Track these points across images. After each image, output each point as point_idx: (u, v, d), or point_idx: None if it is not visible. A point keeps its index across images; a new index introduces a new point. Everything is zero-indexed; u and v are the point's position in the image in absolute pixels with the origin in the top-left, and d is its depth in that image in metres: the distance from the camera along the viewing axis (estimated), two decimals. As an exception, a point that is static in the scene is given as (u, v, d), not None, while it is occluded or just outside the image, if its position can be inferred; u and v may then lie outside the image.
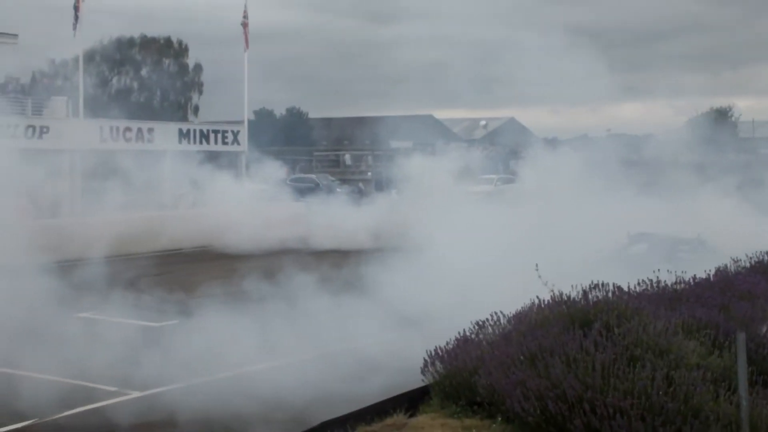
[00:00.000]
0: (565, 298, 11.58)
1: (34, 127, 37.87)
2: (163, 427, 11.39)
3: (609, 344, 10.05)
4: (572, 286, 11.81)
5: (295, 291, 16.03)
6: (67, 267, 19.34)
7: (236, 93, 44.63)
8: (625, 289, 12.21)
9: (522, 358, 10.30)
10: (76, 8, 38.71)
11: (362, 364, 13.05)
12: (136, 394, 12.71)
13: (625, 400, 9.16)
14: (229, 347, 13.83)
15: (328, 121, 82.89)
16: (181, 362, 13.28)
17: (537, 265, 12.47)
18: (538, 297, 11.86)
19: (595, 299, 11.42)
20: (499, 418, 10.00)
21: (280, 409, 11.54)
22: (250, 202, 31.81)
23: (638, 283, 12.98)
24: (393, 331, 14.47)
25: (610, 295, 11.63)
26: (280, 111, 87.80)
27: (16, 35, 42.70)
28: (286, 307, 15.30)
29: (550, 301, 11.73)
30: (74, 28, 39.16)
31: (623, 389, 9.30)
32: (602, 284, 11.86)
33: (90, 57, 43.04)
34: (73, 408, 12.13)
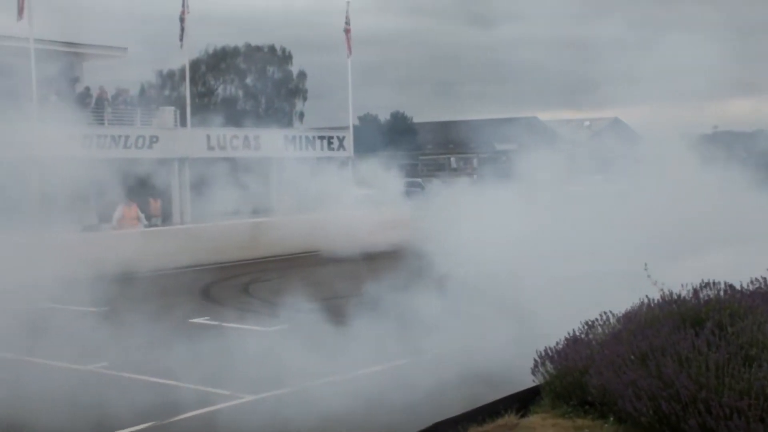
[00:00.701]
0: (675, 297, 11.48)
1: (143, 137, 38.82)
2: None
3: (722, 343, 9.92)
4: (682, 285, 11.71)
5: (404, 293, 16.11)
6: (179, 273, 19.79)
7: (340, 98, 45.07)
8: (737, 287, 12.03)
9: (633, 357, 10.23)
10: (182, 20, 39.48)
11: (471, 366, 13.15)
12: (249, 398, 12.99)
13: (741, 400, 9.04)
14: (340, 351, 14.04)
15: (432, 125, 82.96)
16: (294, 366, 13.52)
17: (646, 264, 12.38)
18: (647, 296, 11.79)
19: (706, 298, 11.28)
20: (611, 418, 9.95)
21: (389, 411, 11.70)
22: (357, 206, 32.03)
23: (751, 281, 12.78)
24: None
25: (721, 293, 11.47)
26: (384, 116, 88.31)
27: (125, 48, 43.81)
28: (397, 309, 15.41)
29: (660, 300, 11.64)
30: (181, 39, 39.95)
31: (739, 389, 9.17)
32: (713, 282, 11.71)
33: (196, 67, 43.81)
34: (188, 411, 12.46)
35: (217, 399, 12.96)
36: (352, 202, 32.41)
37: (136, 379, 14.13)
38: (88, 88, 40.13)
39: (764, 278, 12.94)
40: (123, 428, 11.80)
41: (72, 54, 41.80)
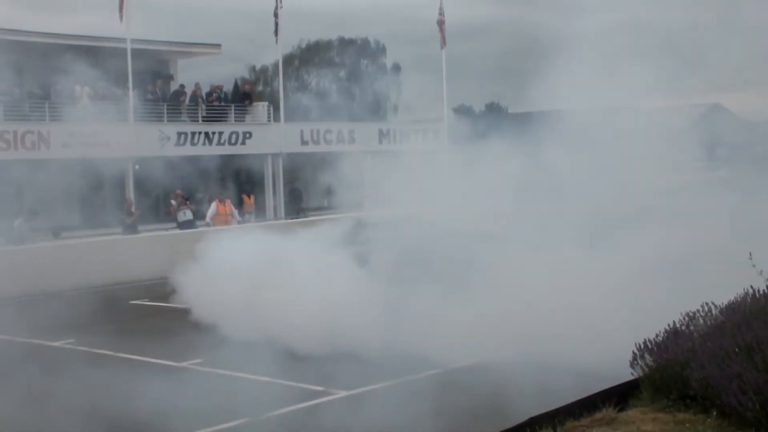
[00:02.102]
0: (783, 288, 11.23)
1: (237, 134, 39.29)
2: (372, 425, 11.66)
3: (832, 334, 9.68)
4: (790, 274, 11.43)
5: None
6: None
7: (434, 91, 44.89)
8: None
9: (737, 350, 10.00)
10: (276, 15, 39.81)
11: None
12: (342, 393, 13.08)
13: None
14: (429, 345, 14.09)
15: (528, 115, 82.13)
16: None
17: (751, 253, 12.10)
18: (752, 286, 11.53)
19: (816, 287, 11.02)
20: (714, 413, 9.75)
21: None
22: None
23: None
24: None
25: (833, 281, 11.19)
26: (479, 107, 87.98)
27: (219, 45, 44.41)
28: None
29: (766, 290, 11.37)
30: (275, 33, 40.28)
31: None
32: (823, 271, 11.42)
33: (289, 61, 44.17)
34: (282, 407, 12.59)
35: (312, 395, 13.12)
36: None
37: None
38: (182, 86, 40.72)
39: None
40: (217, 424, 11.98)
41: (167, 52, 42.53)
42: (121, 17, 35.60)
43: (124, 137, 34.48)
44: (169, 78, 42.67)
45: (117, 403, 12.96)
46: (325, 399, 12.94)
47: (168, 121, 37.63)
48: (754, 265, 11.79)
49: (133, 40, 36.27)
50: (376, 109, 41.34)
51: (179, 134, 37.47)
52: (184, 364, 15.35)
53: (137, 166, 34.63)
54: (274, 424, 12.01)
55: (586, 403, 10.49)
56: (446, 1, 43.84)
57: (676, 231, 16.92)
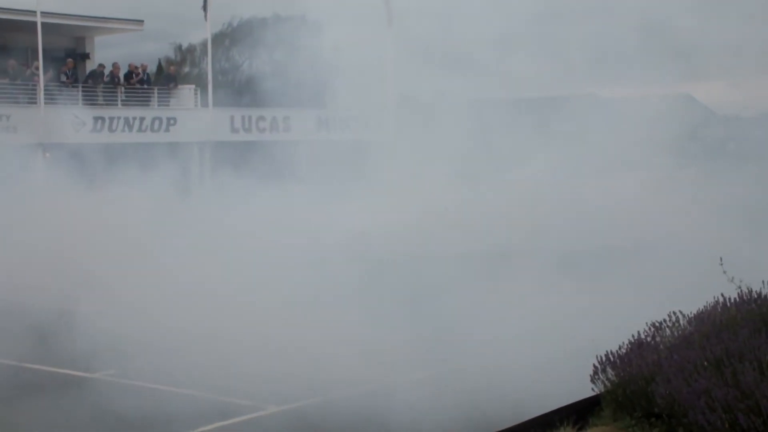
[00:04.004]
0: (755, 295, 11.30)
1: (160, 119, 38.87)
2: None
3: (809, 348, 9.77)
4: (763, 282, 11.53)
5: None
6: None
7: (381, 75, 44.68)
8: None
9: (706, 363, 10.07)
10: (206, -12, 39.50)
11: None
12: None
13: (830, 412, 8.89)
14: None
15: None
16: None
17: (721, 258, 12.20)
18: (722, 295, 11.61)
19: (791, 296, 11.12)
20: (681, 432, 9.83)
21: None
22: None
23: (841, 279, 12.58)
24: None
25: (809, 291, 11.30)
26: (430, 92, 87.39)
27: (141, 21, 43.90)
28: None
29: (737, 298, 11.46)
30: (204, 9, 39.92)
31: (827, 400, 9.02)
32: (798, 280, 11.54)
33: (218, 41, 43.89)
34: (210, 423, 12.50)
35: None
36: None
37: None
38: (101, 66, 40.23)
39: None
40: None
41: (82, 28, 41.98)
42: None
43: (33, 122, 34.04)
44: (85, 57, 42.18)
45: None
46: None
47: (83, 104, 37.14)
48: (725, 272, 11.89)
49: (44, 14, 35.79)
50: (315, 95, 41.12)
51: (96, 119, 36.99)
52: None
53: (48, 155, 34.15)
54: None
55: (542, 421, 10.50)
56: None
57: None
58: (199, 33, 43.65)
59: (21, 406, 13.69)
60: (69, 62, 38.68)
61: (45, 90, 35.44)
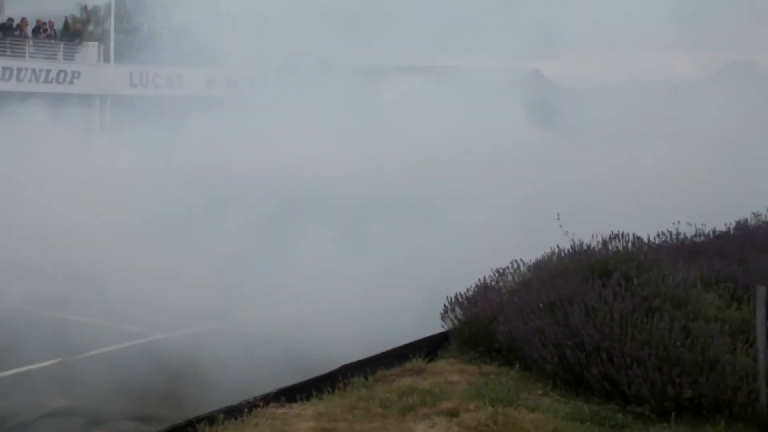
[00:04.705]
0: (585, 248, 11.48)
1: (65, 72, 37.87)
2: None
3: (627, 294, 9.95)
4: (592, 235, 11.71)
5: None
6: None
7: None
8: (645, 240, 12.08)
9: (541, 306, 10.21)
10: (108, -49, 38.56)
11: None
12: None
13: (642, 350, 9.08)
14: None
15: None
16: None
17: (558, 214, 12.36)
18: (558, 246, 11.77)
19: (614, 249, 11.31)
20: (517, 365, 9.95)
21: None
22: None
23: (657, 235, 12.86)
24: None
25: (629, 245, 11.50)
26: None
27: (49, -20, 42.56)
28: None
29: (570, 250, 11.63)
30: (106, -30, 38.99)
31: (641, 339, 9.21)
32: (622, 235, 11.72)
33: (121, 2, 42.79)
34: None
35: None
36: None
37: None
38: (11, 19, 38.94)
39: (670, 232, 13.07)
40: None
41: (-7, -17, 40.59)
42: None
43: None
44: (-3, 9, 40.74)
45: None
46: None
47: (-8, 54, 35.97)
48: (561, 226, 12.05)
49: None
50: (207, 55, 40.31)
51: (4, 69, 35.84)
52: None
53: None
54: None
55: (397, 353, 10.55)
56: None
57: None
58: (104, -6, 42.47)
59: None
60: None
61: (-45, 41, 34.22)
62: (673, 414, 8.64)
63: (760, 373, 8.71)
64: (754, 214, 16.28)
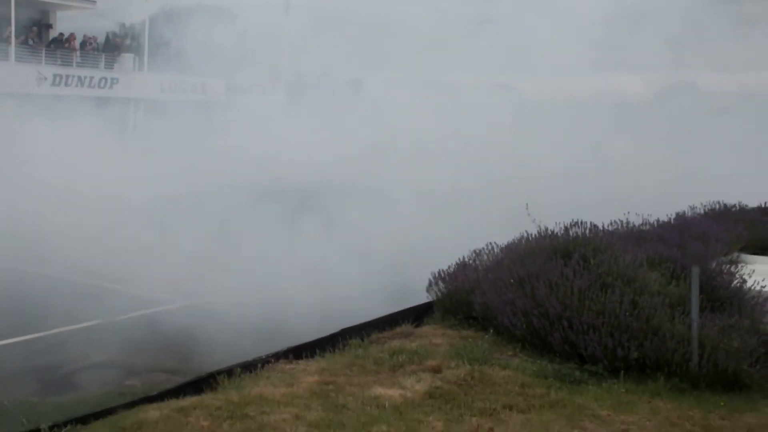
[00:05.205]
0: (550, 233, 11.51)
1: (106, 79, 37.89)
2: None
3: (585, 272, 9.99)
4: (556, 222, 11.74)
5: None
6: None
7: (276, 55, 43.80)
8: (600, 227, 12.10)
9: (512, 281, 10.24)
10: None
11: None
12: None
13: (597, 319, 9.14)
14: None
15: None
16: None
17: (527, 204, 12.38)
18: (526, 231, 11.80)
19: (574, 234, 11.32)
20: (491, 331, 9.98)
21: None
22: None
23: (610, 223, 12.88)
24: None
25: (587, 231, 11.52)
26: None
27: (94, 2, 42.46)
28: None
29: (537, 234, 11.66)
30: (144, -6, 38.97)
31: (596, 310, 9.27)
32: (581, 222, 11.75)
33: (155, 21, 42.63)
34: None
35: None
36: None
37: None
38: (62, 34, 38.90)
39: (621, 221, 13.10)
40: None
41: (48, 3, 40.53)
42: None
43: (6, 76, 32.81)
44: (49, 27, 40.61)
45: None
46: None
47: (46, 64, 35.91)
48: (529, 214, 12.07)
49: (17, -9, 34.46)
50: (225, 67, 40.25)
51: (55, 76, 35.81)
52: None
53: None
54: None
55: (389, 319, 10.58)
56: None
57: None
58: (139, 14, 42.27)
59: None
60: (33, 30, 37.31)
61: (16, 51, 34.19)
62: (622, 372, 8.73)
63: (693, 338, 8.80)
64: (690, 207, 16.38)
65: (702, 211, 16.56)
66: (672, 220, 14.64)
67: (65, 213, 16.72)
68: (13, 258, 15.18)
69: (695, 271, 9.06)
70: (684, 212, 15.82)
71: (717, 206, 17.16)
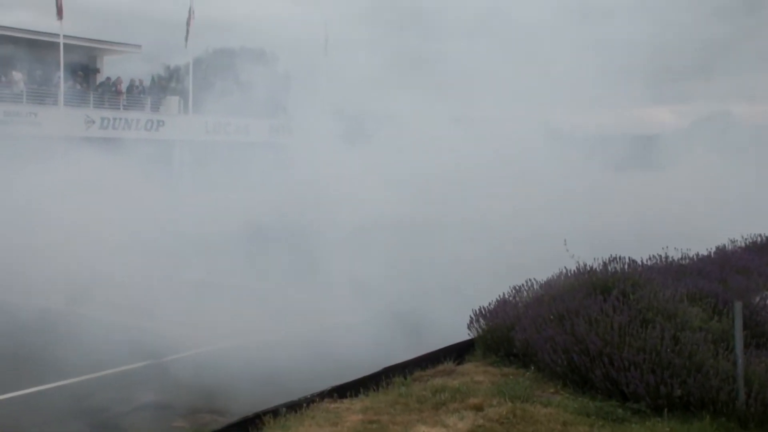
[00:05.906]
0: (588, 269, 11.43)
1: (152, 121, 38.40)
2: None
3: (625, 308, 9.89)
4: (594, 258, 11.66)
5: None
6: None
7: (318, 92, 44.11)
8: (639, 262, 12.01)
9: (552, 317, 10.17)
10: (188, 23, 39.06)
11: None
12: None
13: (638, 355, 9.02)
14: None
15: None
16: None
17: (565, 240, 12.31)
18: (565, 267, 11.73)
19: (613, 270, 11.25)
20: (532, 368, 9.90)
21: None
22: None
23: (649, 258, 12.77)
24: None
25: (626, 267, 11.44)
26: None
27: (140, 46, 43.22)
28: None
29: (575, 270, 11.59)
30: (186, 39, 39.50)
31: (637, 346, 9.15)
32: (619, 257, 11.67)
33: (198, 63, 43.24)
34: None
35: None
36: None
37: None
38: (109, 78, 39.61)
39: (660, 255, 12.98)
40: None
41: (95, 48, 41.28)
42: (59, 17, 34.51)
43: (55, 119, 33.45)
44: (96, 71, 41.39)
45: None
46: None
47: (93, 107, 36.52)
48: (567, 250, 12.01)
49: (66, 37, 35.16)
50: (269, 107, 40.61)
51: (103, 119, 36.40)
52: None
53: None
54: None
55: (431, 357, 10.54)
56: (331, 17, 43.17)
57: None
58: (184, 57, 42.94)
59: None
60: (80, 74, 38.04)
61: (64, 95, 34.84)
62: (666, 410, 8.57)
63: (739, 375, 8.62)
64: (730, 240, 16.17)
65: (743, 244, 16.34)
66: (712, 254, 14.47)
67: (108, 254, 16.92)
68: (66, 299, 15.36)
69: (738, 305, 8.88)
70: (724, 245, 15.62)
71: (759, 239, 16.93)
